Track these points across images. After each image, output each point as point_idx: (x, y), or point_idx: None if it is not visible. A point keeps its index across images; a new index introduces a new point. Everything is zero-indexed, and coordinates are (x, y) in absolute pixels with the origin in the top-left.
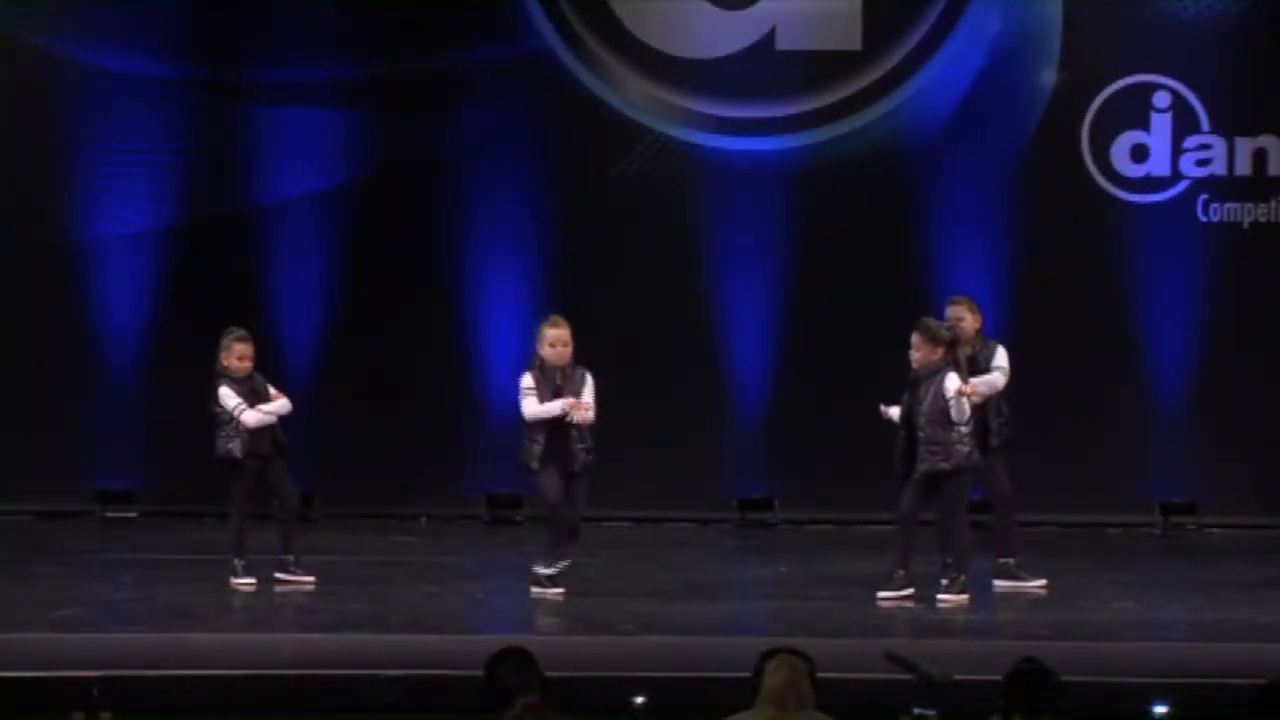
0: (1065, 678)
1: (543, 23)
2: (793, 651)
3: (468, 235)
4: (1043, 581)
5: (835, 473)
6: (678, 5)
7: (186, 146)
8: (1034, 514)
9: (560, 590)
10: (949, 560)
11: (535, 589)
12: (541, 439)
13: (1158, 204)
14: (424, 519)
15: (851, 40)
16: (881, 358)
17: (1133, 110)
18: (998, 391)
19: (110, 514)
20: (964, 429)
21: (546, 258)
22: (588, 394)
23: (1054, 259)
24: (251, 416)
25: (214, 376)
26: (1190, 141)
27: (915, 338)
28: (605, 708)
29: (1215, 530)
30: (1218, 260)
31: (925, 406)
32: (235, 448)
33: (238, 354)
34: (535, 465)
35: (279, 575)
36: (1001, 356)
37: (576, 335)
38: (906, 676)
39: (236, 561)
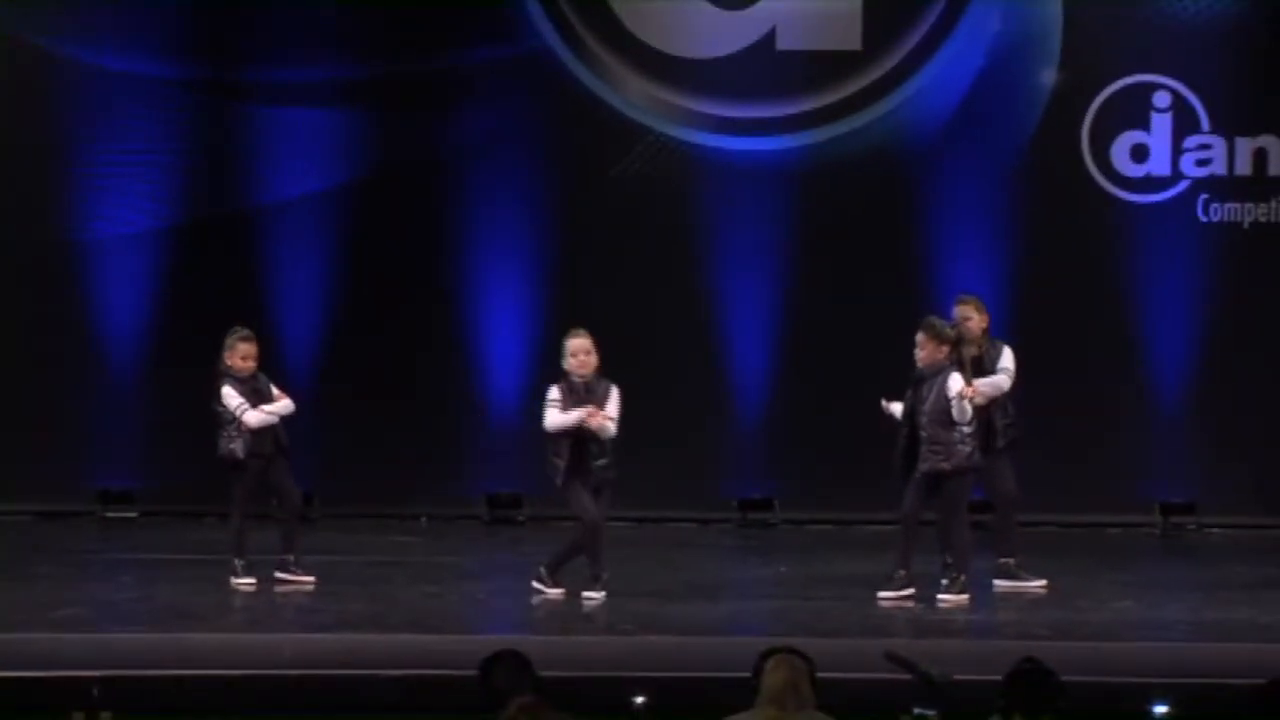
0: (1065, 678)
1: (543, 23)
2: (792, 651)
3: (468, 235)
4: (1043, 581)
5: (835, 473)
6: (678, 5)
7: (186, 146)
8: (1034, 514)
9: (560, 590)
10: (949, 560)
11: (536, 585)
12: (565, 452)
13: (1158, 204)
14: (424, 519)
15: (851, 40)
16: (881, 358)
17: (1133, 110)
18: (1003, 393)
19: (110, 514)
20: (966, 429)
21: (546, 258)
22: (611, 407)
23: (1054, 259)
24: (254, 416)
25: (217, 376)
26: (1190, 141)
27: (920, 336)
28: (605, 708)
29: (1215, 530)
30: (1218, 260)
31: (928, 406)
32: (238, 448)
33: (242, 354)
34: (559, 481)
35: (279, 575)
36: (1008, 358)
37: None
38: (906, 676)
39: (237, 561)
